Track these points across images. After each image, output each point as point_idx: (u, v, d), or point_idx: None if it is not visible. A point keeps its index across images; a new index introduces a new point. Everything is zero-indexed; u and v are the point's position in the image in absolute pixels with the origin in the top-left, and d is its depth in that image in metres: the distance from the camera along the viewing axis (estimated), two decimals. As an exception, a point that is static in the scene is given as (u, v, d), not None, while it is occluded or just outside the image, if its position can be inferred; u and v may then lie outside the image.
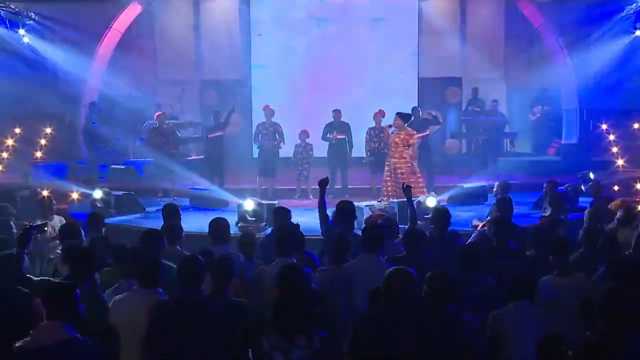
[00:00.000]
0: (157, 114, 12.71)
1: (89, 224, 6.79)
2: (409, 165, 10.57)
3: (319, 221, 6.49)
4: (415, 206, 9.12)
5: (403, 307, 3.91)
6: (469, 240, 6.70)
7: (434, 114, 13.68)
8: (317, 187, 6.68)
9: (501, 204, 7.26)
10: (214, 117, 12.76)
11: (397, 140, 10.58)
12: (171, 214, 6.78)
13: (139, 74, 15.32)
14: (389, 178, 10.67)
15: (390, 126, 10.91)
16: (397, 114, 10.74)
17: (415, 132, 10.85)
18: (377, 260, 5.12)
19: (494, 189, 9.18)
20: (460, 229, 8.34)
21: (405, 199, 7.10)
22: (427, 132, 12.30)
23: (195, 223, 8.87)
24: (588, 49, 14.28)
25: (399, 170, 10.50)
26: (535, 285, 4.50)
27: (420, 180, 10.71)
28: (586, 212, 7.13)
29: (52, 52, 14.03)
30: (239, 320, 4.37)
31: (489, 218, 7.56)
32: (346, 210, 6.39)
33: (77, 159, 14.42)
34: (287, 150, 12.99)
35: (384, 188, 10.79)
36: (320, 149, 12.95)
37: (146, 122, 14.78)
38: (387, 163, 10.75)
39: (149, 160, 13.34)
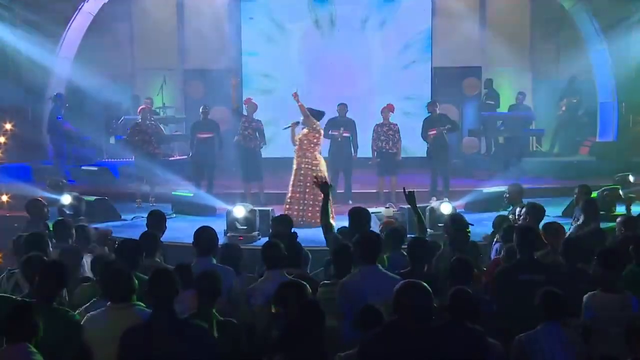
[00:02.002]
0: (140, 108, 12.68)
1: (57, 233, 6.77)
2: (317, 170, 10.56)
3: (322, 230, 6.49)
4: (427, 213, 9.26)
5: (415, 325, 3.91)
6: (493, 256, 6.67)
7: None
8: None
9: (531, 211, 7.21)
10: (202, 112, 12.67)
11: (302, 138, 10.57)
12: (157, 221, 6.78)
13: (114, 62, 15.32)
14: (300, 182, 10.58)
15: (297, 123, 10.80)
16: (307, 109, 10.69)
17: (320, 128, 10.74)
18: (377, 271, 5.12)
19: (506, 195, 9.20)
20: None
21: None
22: (435, 131, 12.23)
23: (178, 232, 8.85)
24: (628, 33, 14.25)
25: (308, 177, 10.46)
26: (567, 304, 4.47)
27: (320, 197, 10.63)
28: (621, 219, 7.07)
29: (12, 37, 13.96)
30: (228, 342, 4.35)
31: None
32: (361, 217, 6.39)
33: (42, 159, 14.40)
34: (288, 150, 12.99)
35: (292, 194, 10.64)
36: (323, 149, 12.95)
37: (123, 118, 14.77)
38: (293, 165, 10.65)
39: (126, 161, 13.30)
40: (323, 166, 10.64)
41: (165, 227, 6.81)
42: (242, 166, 12.22)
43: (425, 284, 4.07)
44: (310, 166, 10.50)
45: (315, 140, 10.56)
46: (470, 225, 6.57)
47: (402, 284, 4.09)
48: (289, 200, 10.56)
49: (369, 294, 4.81)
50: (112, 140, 14.72)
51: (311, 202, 10.35)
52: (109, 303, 4.54)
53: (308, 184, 10.31)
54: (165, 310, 4.19)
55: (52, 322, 4.05)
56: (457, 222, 6.55)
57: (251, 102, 12.22)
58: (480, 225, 8.68)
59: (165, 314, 4.17)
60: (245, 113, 12.19)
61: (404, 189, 6.98)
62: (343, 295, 5.01)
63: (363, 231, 5.78)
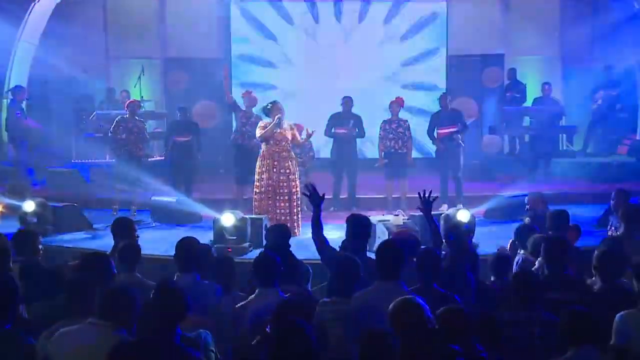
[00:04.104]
0: (128, 102, 12.63)
1: (18, 245, 6.76)
2: (294, 174, 10.57)
3: (316, 246, 6.50)
4: (441, 222, 9.25)
5: (410, 347, 3.96)
6: (514, 269, 6.68)
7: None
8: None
9: (555, 220, 7.22)
10: (179, 113, 12.66)
11: (287, 135, 10.57)
12: (124, 230, 6.78)
13: (84, 49, 15.29)
14: (272, 182, 10.46)
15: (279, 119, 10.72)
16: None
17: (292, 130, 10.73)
18: (398, 288, 5.09)
19: (527, 204, 9.26)
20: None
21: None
22: (455, 129, 12.24)
23: (159, 243, 8.84)
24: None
25: (287, 179, 10.45)
26: (600, 326, 4.47)
27: (297, 204, 10.58)
28: None
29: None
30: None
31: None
32: (359, 226, 6.38)
33: (1, 160, 14.39)
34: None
35: (258, 198, 10.59)
36: (323, 148, 12.93)
37: (95, 113, 14.76)
38: (272, 164, 10.47)
39: (99, 162, 13.28)
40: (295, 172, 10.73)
41: (136, 235, 6.81)
42: (238, 167, 12.08)
43: (416, 299, 4.14)
44: (290, 172, 10.56)
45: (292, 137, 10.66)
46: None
47: (395, 303, 4.14)
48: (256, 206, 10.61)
49: (382, 314, 4.80)
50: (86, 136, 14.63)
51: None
52: (89, 319, 4.53)
53: (277, 191, 10.38)
54: (167, 330, 4.21)
55: (5, 349, 4.02)
56: (457, 229, 6.55)
57: (251, 95, 12.12)
58: (502, 236, 8.69)
59: (166, 335, 4.20)
60: (243, 107, 12.12)
61: (420, 192, 6.94)
62: (354, 315, 5.00)
63: (383, 240, 5.77)
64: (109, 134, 12.26)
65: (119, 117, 12.26)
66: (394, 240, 6.14)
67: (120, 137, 11.95)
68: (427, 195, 6.69)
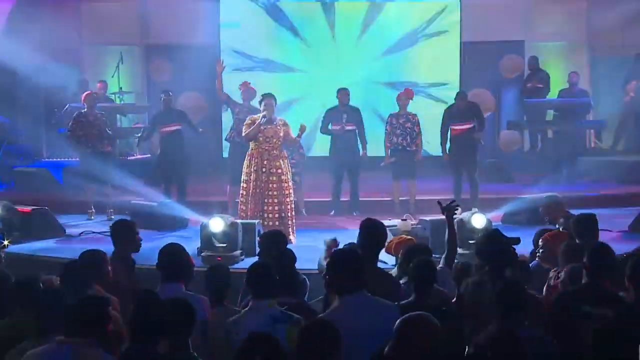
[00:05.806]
0: (85, 94, 12.63)
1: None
2: (286, 174, 10.53)
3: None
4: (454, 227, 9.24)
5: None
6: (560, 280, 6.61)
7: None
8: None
9: (580, 226, 7.16)
10: (163, 100, 12.61)
11: (279, 131, 10.49)
12: (127, 231, 6.85)
13: (56, 36, 15.24)
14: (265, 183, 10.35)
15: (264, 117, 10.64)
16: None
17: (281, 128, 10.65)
18: (366, 299, 5.02)
19: (541, 212, 9.26)
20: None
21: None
22: (471, 125, 12.23)
23: (140, 251, 8.80)
24: None
25: (279, 179, 10.38)
26: (633, 344, 4.43)
27: (290, 207, 10.53)
28: None
29: None
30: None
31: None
32: (374, 234, 6.35)
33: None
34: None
35: (243, 201, 10.54)
36: (322, 146, 12.91)
37: (68, 106, 14.73)
38: (261, 164, 10.35)
39: (73, 162, 13.24)
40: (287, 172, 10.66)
41: (135, 241, 6.88)
42: (233, 166, 12.03)
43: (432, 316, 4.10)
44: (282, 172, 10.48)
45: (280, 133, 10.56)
46: (516, 243, 6.47)
47: (403, 320, 4.10)
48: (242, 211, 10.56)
49: (358, 332, 4.74)
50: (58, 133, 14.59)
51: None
52: (58, 337, 4.49)
53: (265, 194, 10.30)
54: (148, 346, 4.20)
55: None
56: (493, 240, 6.43)
57: (248, 87, 12.08)
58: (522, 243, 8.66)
59: (145, 350, 4.16)
60: (240, 101, 12.06)
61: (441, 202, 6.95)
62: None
63: (339, 249, 5.76)
64: (68, 132, 12.25)
65: (76, 112, 12.28)
66: (349, 249, 6.07)
67: (79, 134, 11.96)
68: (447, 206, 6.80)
